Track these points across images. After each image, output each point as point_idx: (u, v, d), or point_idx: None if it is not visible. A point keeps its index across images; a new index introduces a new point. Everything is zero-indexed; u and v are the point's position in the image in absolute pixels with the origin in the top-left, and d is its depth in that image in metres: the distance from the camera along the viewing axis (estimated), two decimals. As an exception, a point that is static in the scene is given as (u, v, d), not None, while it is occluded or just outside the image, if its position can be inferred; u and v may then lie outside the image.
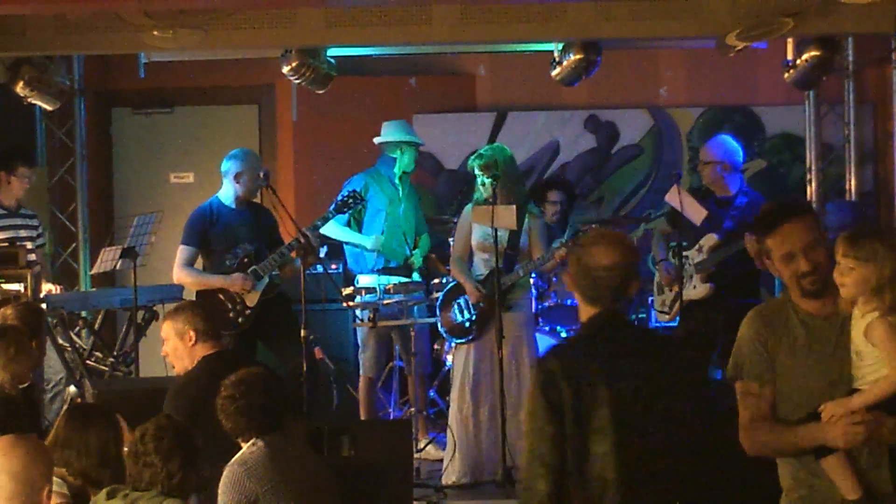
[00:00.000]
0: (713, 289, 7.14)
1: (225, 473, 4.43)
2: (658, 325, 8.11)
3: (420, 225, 8.05)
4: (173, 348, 5.45)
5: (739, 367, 3.76)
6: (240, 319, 7.22)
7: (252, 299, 7.23)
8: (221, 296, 7.26)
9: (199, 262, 7.41)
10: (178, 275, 7.37)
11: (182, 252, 7.33)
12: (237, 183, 7.33)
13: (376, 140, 7.96)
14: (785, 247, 3.65)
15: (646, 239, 8.23)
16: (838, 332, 3.65)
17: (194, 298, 7.38)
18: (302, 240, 6.98)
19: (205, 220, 7.35)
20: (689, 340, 7.15)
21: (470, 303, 7.01)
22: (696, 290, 7.21)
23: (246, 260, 7.24)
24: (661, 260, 7.45)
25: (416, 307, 7.67)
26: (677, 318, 7.33)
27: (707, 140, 7.63)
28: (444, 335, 7.36)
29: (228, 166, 7.37)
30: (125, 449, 4.02)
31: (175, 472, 3.82)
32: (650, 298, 8.09)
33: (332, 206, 7.43)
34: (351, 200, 7.41)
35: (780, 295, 3.82)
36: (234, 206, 7.35)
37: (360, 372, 7.84)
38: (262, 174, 7.28)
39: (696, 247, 7.26)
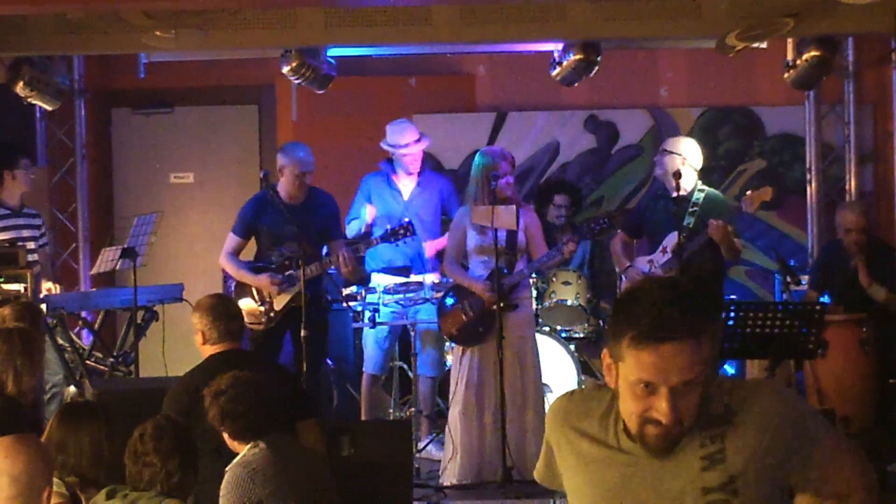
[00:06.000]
0: None
1: (227, 476, 4.42)
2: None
3: (437, 221, 7.95)
4: (196, 342, 5.40)
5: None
6: (264, 319, 7.22)
7: (280, 302, 7.21)
8: (255, 291, 7.29)
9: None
10: (222, 262, 7.44)
11: (228, 240, 7.38)
12: (282, 177, 7.29)
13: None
14: (643, 372, 2.35)
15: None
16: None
17: (234, 288, 7.41)
18: (299, 251, 6.97)
19: (254, 211, 7.34)
20: None
21: (473, 306, 6.97)
22: None
23: (287, 262, 7.20)
24: (629, 267, 7.46)
25: (418, 307, 7.65)
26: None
27: (671, 140, 7.68)
28: (448, 339, 7.35)
29: (277, 158, 7.39)
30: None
31: (174, 471, 3.82)
32: None
33: (382, 233, 7.27)
34: (401, 231, 7.19)
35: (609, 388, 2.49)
36: (286, 199, 7.22)
37: (363, 369, 7.84)
38: (262, 174, 7.28)
39: (660, 248, 7.29)
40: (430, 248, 7.88)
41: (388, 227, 7.28)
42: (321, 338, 7.16)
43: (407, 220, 7.30)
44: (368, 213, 7.84)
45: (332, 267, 7.21)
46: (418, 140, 7.86)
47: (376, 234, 7.49)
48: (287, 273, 7.18)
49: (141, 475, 3.82)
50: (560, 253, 6.89)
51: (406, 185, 7.89)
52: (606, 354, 2.42)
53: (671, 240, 7.19)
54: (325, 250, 7.47)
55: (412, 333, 7.49)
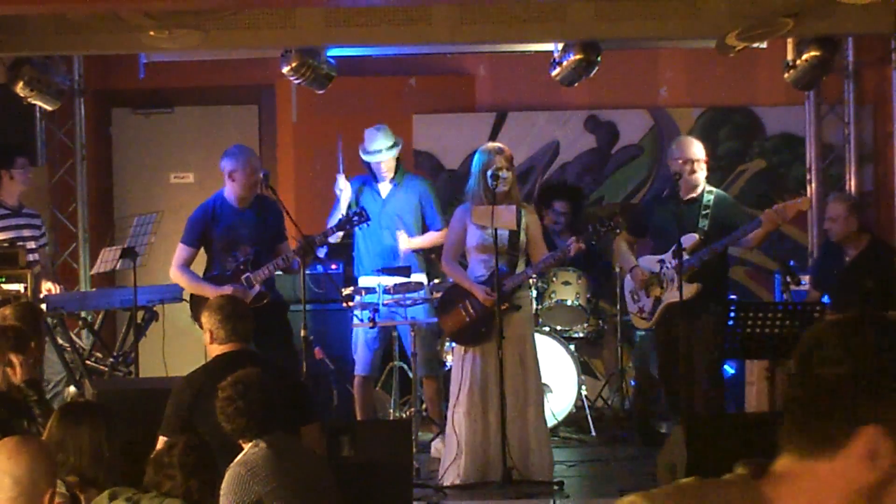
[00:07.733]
0: (701, 288, 7.13)
1: (227, 474, 4.43)
2: (638, 332, 7.93)
3: (418, 220, 7.93)
4: (205, 341, 5.40)
5: None
6: None
7: None
8: None
9: (202, 259, 7.41)
10: (174, 274, 7.33)
11: (179, 251, 7.30)
12: (233, 181, 7.24)
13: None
14: None
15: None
16: None
17: (189, 300, 7.39)
18: (300, 250, 6.97)
19: (205, 220, 7.30)
20: (669, 344, 7.19)
21: (475, 306, 6.95)
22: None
23: (242, 266, 7.19)
24: (633, 267, 7.43)
25: (417, 307, 7.64)
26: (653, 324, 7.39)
27: (680, 140, 7.63)
28: (449, 339, 7.34)
29: (224, 164, 7.28)
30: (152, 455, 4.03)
31: (195, 490, 3.84)
32: (628, 302, 7.89)
33: (336, 222, 7.33)
34: (356, 218, 7.26)
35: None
36: (236, 205, 7.26)
37: (354, 371, 7.86)
38: (261, 174, 7.26)
39: (672, 249, 7.26)
40: (403, 240, 7.81)
41: (341, 216, 7.31)
42: (287, 340, 7.18)
43: (358, 207, 7.35)
44: (343, 188, 7.81)
45: (279, 269, 7.26)
46: (390, 147, 7.75)
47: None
48: (245, 276, 7.16)
49: (161, 485, 3.84)
50: (567, 252, 6.87)
51: (384, 185, 7.86)
52: (870, 434, 1.50)
53: (689, 241, 7.12)
54: (324, 250, 7.49)
55: (413, 334, 7.47)
